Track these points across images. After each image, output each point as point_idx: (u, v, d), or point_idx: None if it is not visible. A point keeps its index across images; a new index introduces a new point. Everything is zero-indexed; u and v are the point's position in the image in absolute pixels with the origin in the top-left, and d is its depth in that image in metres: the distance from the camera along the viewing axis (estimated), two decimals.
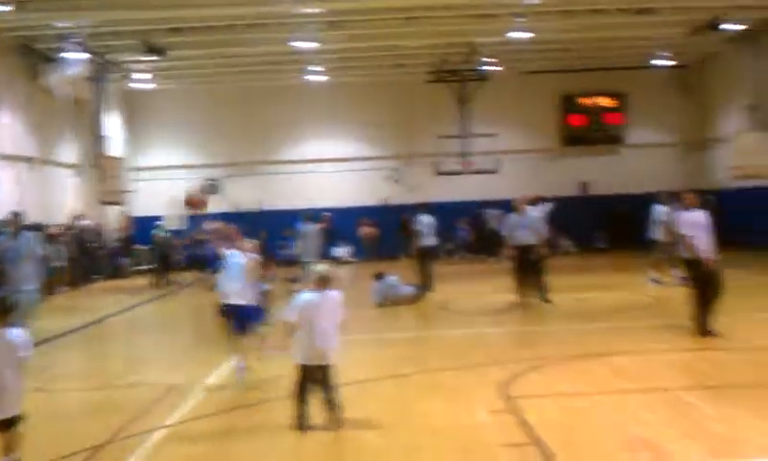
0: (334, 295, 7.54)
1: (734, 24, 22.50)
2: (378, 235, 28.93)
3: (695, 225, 11.22)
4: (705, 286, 11.11)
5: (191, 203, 10.17)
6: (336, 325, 7.44)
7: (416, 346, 12.02)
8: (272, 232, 26.58)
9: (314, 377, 7.37)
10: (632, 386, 8.54)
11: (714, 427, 6.82)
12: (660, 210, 17.07)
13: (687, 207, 11.51)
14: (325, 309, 7.39)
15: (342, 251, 28.23)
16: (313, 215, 19.67)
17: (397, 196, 29.70)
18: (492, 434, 6.93)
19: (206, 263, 21.94)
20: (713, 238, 11.16)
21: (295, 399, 7.39)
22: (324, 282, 7.49)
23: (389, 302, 16.06)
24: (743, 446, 6.32)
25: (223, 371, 9.70)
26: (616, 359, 9.92)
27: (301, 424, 7.29)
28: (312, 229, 18.85)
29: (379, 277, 16.57)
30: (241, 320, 9.35)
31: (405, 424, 7.45)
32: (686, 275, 11.80)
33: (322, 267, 7.74)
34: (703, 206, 11.62)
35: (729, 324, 11.27)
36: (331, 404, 7.37)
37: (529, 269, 15.16)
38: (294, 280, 18.93)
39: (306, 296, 7.50)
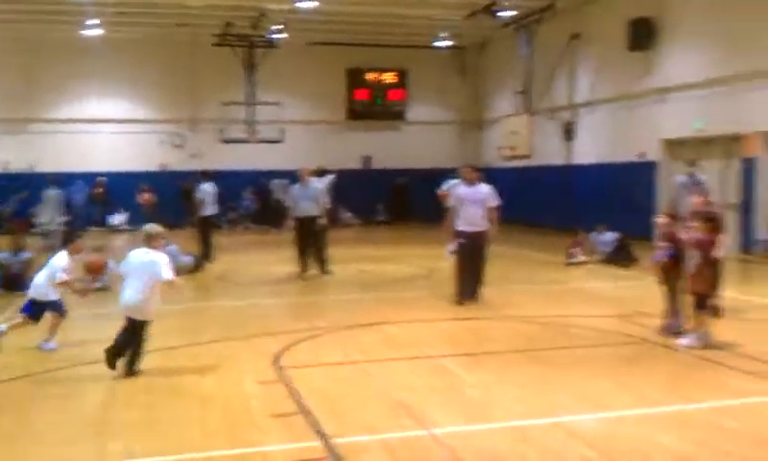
0: (156, 255, 7.95)
1: (508, 11, 23.87)
2: (158, 203, 27.83)
3: (466, 199, 11.83)
4: (467, 258, 11.78)
5: (91, 267, 10.16)
6: (153, 283, 7.85)
7: (190, 317, 11.67)
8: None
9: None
10: (400, 354, 8.85)
11: (472, 393, 7.23)
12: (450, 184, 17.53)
13: (467, 182, 12.10)
14: (142, 266, 7.87)
15: (118, 218, 26.96)
16: (56, 179, 18.60)
17: (179, 162, 28.70)
18: (261, 404, 6.89)
19: None
20: (493, 213, 11.81)
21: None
22: (149, 240, 8.04)
23: None
24: (495, 411, 6.73)
25: None
26: (388, 328, 10.26)
27: (112, 364, 7.74)
28: (55, 193, 17.85)
29: None
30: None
31: (173, 396, 7.22)
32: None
33: (150, 226, 8.28)
34: (483, 181, 12.30)
35: (490, 294, 12.06)
36: (132, 358, 7.84)
37: (310, 240, 15.29)
38: (47, 248, 17.84)
39: (135, 251, 8.09)
